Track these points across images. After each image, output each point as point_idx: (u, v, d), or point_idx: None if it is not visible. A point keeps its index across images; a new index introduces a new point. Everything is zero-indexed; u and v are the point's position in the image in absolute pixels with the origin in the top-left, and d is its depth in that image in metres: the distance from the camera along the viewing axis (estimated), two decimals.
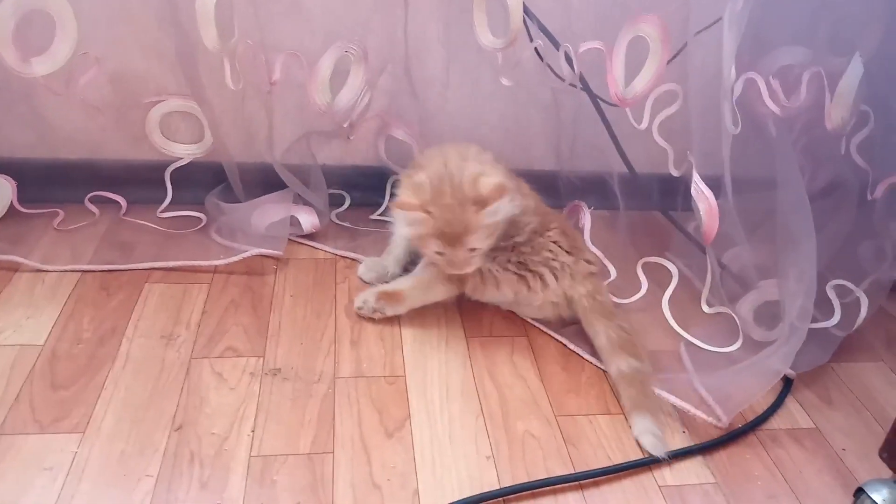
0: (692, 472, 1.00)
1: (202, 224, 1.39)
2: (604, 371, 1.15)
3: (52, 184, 1.40)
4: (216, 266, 1.28)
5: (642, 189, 1.39)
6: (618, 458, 1.00)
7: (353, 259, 1.36)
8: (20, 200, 1.35)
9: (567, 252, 1.23)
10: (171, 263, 1.27)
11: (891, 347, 1.30)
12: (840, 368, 1.23)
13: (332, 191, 1.46)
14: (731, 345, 1.19)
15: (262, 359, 1.10)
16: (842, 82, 1.21)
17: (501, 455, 0.99)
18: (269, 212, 1.38)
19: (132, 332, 1.13)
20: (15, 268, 1.24)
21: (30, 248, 1.27)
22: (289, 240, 1.37)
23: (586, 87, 1.29)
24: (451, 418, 1.04)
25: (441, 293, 1.22)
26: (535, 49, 1.28)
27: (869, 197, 1.31)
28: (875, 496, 0.91)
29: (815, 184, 1.35)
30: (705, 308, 1.26)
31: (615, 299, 1.27)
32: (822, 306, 1.23)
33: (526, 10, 1.23)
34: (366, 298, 1.21)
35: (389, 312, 1.21)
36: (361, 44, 1.31)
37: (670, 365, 1.17)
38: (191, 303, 1.20)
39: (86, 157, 1.42)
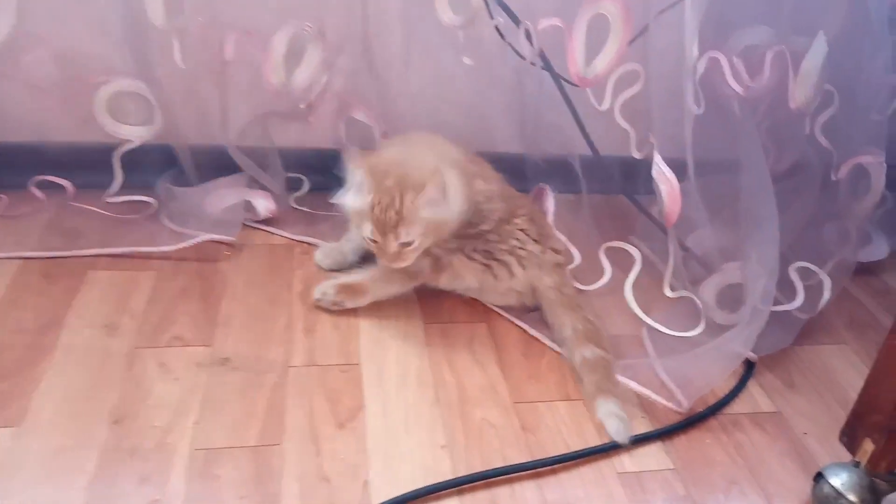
0: (651, 458, 0.98)
1: (153, 209, 1.34)
2: (565, 358, 1.13)
3: None
4: (165, 253, 1.23)
5: (605, 172, 1.37)
6: (577, 445, 0.98)
7: (310, 244, 1.32)
8: None
9: (535, 241, 1.20)
10: (118, 250, 1.22)
11: (854, 330, 1.29)
12: (803, 351, 1.22)
13: (290, 174, 1.42)
14: (693, 329, 1.17)
15: (210, 348, 1.06)
16: (805, 61, 1.19)
17: (457, 444, 0.96)
18: (222, 196, 1.33)
19: (74, 322, 1.08)
20: None
21: None
22: (244, 225, 1.33)
23: (548, 66, 1.26)
24: (407, 407, 1.01)
25: (402, 285, 1.18)
26: (496, 27, 1.25)
27: (833, 178, 1.29)
28: (834, 480, 0.89)
29: (779, 165, 1.34)
30: (668, 292, 1.24)
31: (579, 286, 1.24)
32: (785, 289, 1.22)
33: None
34: (325, 290, 1.17)
35: (350, 305, 1.17)
36: (318, 21, 1.26)
37: (632, 350, 1.15)
38: (137, 291, 1.15)
39: (30, 141, 1.35)
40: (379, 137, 1.39)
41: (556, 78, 1.28)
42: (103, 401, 0.96)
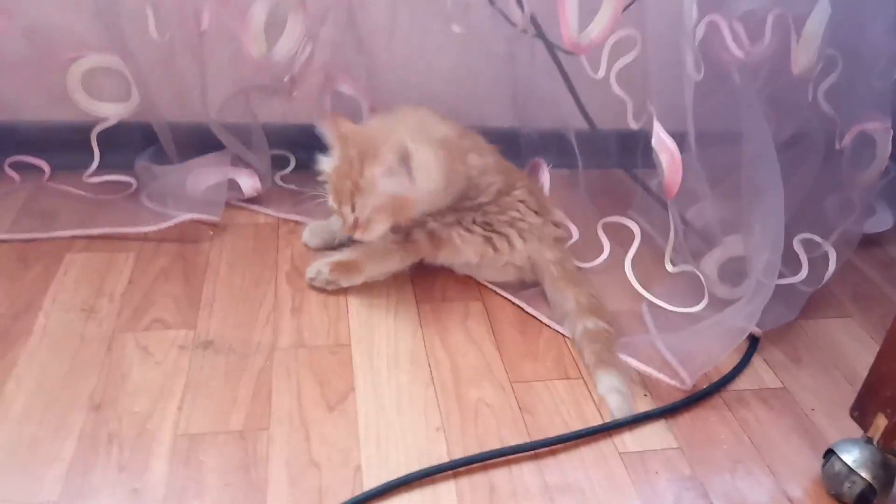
0: (654, 437, 0.94)
1: (132, 189, 1.29)
2: (563, 335, 1.09)
3: None
4: (146, 234, 1.19)
5: (601, 145, 1.32)
6: (576, 425, 0.94)
7: (296, 222, 1.27)
8: None
9: (535, 213, 1.16)
10: (96, 231, 1.17)
11: (859, 302, 1.25)
12: (808, 325, 1.18)
13: (275, 152, 1.37)
14: (696, 304, 1.13)
15: (193, 331, 1.02)
16: (808, 24, 1.15)
17: (452, 426, 0.92)
18: (205, 175, 1.28)
19: (50, 306, 1.03)
20: None
21: None
22: (228, 204, 1.28)
23: (540, 33, 1.21)
24: (399, 389, 0.97)
25: (399, 261, 1.13)
26: None
27: (837, 146, 1.25)
28: (845, 457, 0.86)
29: (780, 134, 1.28)
30: (669, 267, 1.19)
31: (578, 263, 1.20)
32: (789, 261, 1.18)
33: None
34: (318, 269, 1.12)
35: (344, 284, 1.12)
36: None
37: (632, 327, 1.11)
38: (116, 273, 1.11)
39: (3, 120, 1.30)
40: (367, 111, 1.34)
41: (549, 45, 1.23)
42: (81, 387, 0.91)
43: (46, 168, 1.32)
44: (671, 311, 1.13)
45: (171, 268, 1.13)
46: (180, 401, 0.91)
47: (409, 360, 1.02)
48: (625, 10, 1.13)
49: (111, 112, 1.28)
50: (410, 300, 1.13)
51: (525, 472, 0.87)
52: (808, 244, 1.22)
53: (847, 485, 0.85)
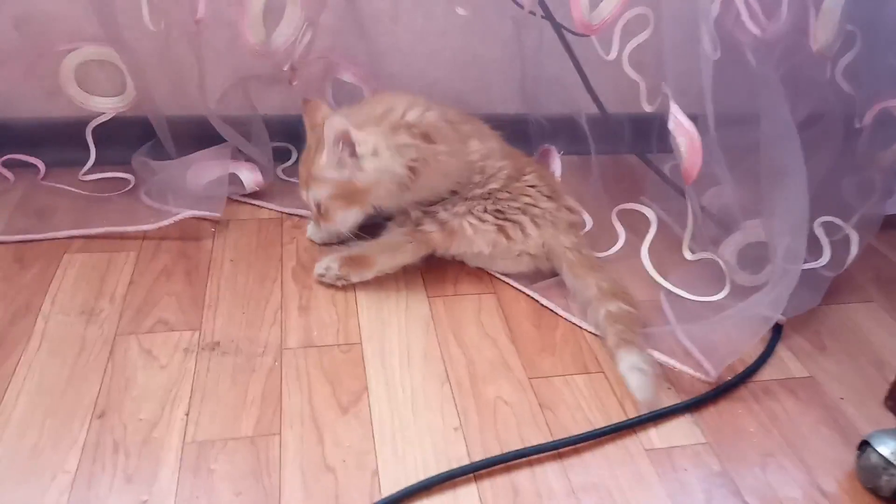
0: (681, 432, 0.90)
1: (130, 186, 1.25)
2: (580, 328, 1.05)
3: None
4: (145, 232, 1.15)
5: (614, 130, 1.28)
6: (599, 421, 0.90)
7: (300, 216, 1.23)
8: None
9: (547, 197, 1.12)
10: (94, 230, 1.13)
11: (881, 286, 1.22)
12: (830, 311, 1.15)
13: (276, 144, 1.32)
14: (716, 293, 1.09)
15: (198, 332, 0.98)
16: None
17: (471, 425, 0.89)
18: (205, 169, 1.23)
19: (49, 309, 0.99)
20: None
21: None
22: (229, 199, 1.24)
23: (548, 15, 1.17)
24: (414, 388, 0.93)
25: (411, 253, 1.09)
26: None
27: (857, 125, 1.21)
28: (882, 449, 0.82)
29: (796, 114, 1.25)
30: (687, 254, 1.15)
31: (593, 252, 1.17)
32: (810, 245, 1.14)
33: None
34: (328, 265, 1.08)
35: (355, 279, 1.08)
36: None
37: (652, 318, 1.07)
38: (116, 273, 1.07)
39: None
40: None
41: (558, 27, 1.19)
42: (84, 393, 0.88)
43: (41, 166, 1.27)
44: (690, 301, 1.10)
45: (173, 266, 1.09)
46: (187, 406, 0.87)
47: (422, 356, 0.98)
48: None
49: (107, 106, 1.24)
50: (421, 294, 1.09)
51: (549, 473, 0.84)
52: (828, 227, 1.19)
53: (885, 478, 0.82)
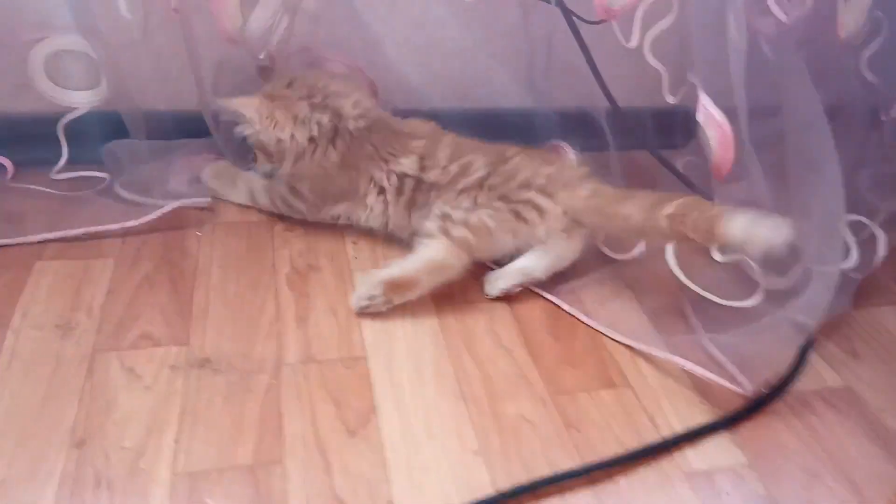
0: (719, 451, 0.83)
1: (105, 184, 1.15)
2: (602, 334, 0.98)
3: None
4: (126, 231, 1.05)
5: (634, 124, 1.20)
6: (630, 441, 0.83)
7: (293, 219, 1.14)
8: None
9: (546, 164, 1.05)
10: (70, 232, 1.04)
11: None
12: (858, 315, 1.08)
13: None
14: (745, 298, 1.02)
15: (185, 347, 0.89)
16: None
17: (492, 448, 0.81)
18: (185, 166, 1.15)
19: (19, 323, 0.90)
20: None
21: None
22: (215, 199, 1.15)
23: (559, 1, 1.09)
24: (427, 406, 0.85)
25: (456, 267, 0.99)
26: None
27: (883, 118, 1.15)
28: None
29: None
30: (717, 256, 1.08)
31: (612, 255, 1.09)
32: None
33: None
34: (371, 293, 0.96)
35: (398, 301, 0.98)
36: None
37: (676, 326, 1.00)
38: (93, 282, 0.97)
39: None
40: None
41: (567, 13, 1.11)
42: (60, 418, 0.78)
43: (9, 166, 1.17)
44: (717, 307, 1.02)
45: (156, 274, 1.00)
46: (177, 432, 0.78)
47: (433, 371, 0.90)
48: None
49: (80, 100, 1.14)
50: (428, 303, 1.01)
51: (581, 501, 0.76)
52: (854, 226, 1.12)
53: None
